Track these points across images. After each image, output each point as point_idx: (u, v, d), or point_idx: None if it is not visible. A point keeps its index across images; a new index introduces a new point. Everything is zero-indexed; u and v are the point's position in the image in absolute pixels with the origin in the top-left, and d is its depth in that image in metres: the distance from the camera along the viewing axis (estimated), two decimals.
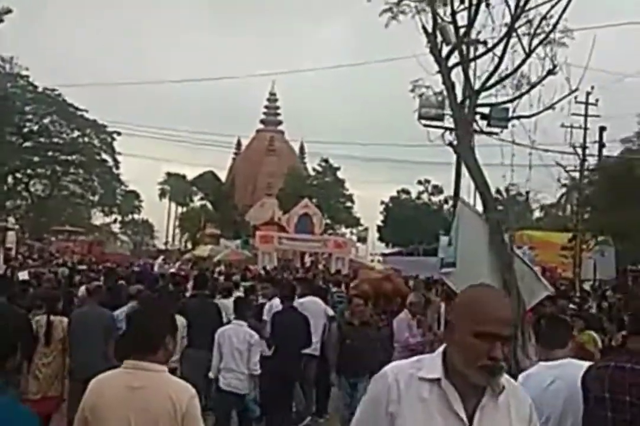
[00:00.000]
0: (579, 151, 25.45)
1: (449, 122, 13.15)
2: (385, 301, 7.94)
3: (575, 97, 26.48)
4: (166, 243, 60.56)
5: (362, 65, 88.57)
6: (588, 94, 25.51)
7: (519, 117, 7.79)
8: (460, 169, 13.60)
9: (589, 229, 24.44)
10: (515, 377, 2.94)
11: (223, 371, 6.94)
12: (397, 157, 79.10)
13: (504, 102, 8.00)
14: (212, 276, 16.58)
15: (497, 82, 7.66)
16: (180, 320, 7.34)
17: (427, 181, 62.00)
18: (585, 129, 25.52)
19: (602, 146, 28.15)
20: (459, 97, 7.82)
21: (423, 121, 12.28)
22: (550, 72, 7.80)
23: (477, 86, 7.77)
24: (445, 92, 7.88)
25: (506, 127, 11.20)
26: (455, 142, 7.86)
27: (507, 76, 7.56)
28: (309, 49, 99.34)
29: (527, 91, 7.81)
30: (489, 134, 10.78)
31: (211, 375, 7.11)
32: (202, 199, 60.15)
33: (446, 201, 62.31)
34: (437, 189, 62.14)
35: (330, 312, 10.01)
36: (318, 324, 9.36)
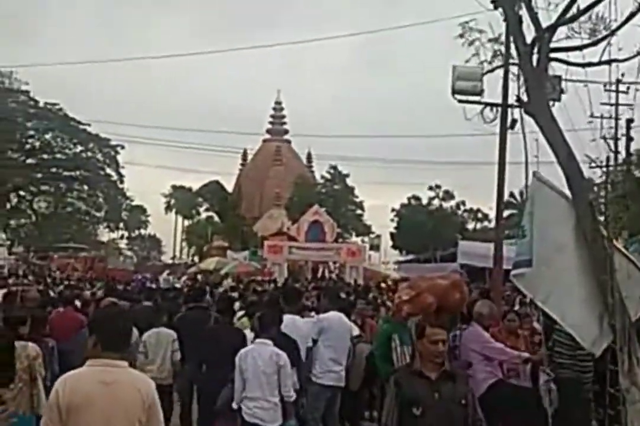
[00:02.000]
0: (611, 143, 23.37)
1: (488, 97, 11.14)
2: (444, 317, 5.75)
3: (605, 85, 24.42)
4: (173, 257, 58.52)
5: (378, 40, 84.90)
6: (618, 81, 23.43)
7: (609, 62, 5.67)
8: (505, 148, 11.45)
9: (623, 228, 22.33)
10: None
11: (246, 400, 5.81)
12: (413, 158, 76.81)
13: (585, 46, 5.90)
14: (212, 290, 14.50)
15: (577, 16, 5.58)
16: (170, 334, 7.42)
17: (438, 186, 59.96)
18: (617, 119, 23.41)
19: (630, 138, 26.04)
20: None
21: (458, 97, 10.28)
22: None
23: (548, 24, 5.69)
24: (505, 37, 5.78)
25: (559, 100, 9.12)
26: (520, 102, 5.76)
27: (592, 5, 5.47)
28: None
29: (617, 29, 5.70)
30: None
31: (234, 405, 5.91)
32: (207, 210, 58.03)
33: (458, 206, 60.35)
34: (449, 195, 60.08)
35: (355, 331, 7.91)
36: (344, 347, 7.26)
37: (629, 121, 25.72)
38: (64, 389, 3.16)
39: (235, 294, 11.87)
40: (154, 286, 21.08)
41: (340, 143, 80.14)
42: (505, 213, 66.50)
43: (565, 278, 5.48)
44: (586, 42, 6.08)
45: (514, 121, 10.38)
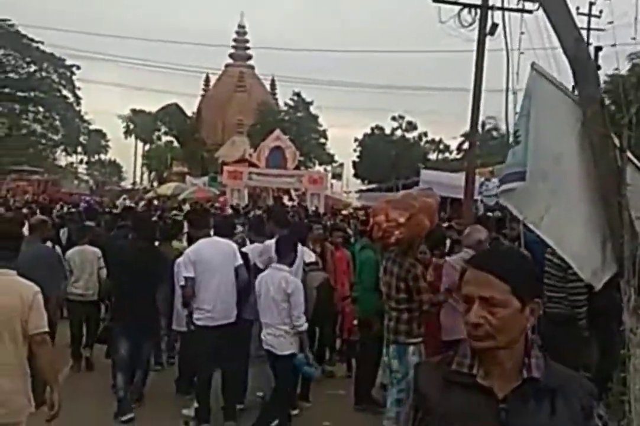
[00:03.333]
0: None
1: None
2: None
3: (577, 8, 22.92)
4: (134, 183, 56.56)
5: None
6: (591, 4, 22.04)
7: None
8: (483, 56, 10.18)
9: None
10: None
11: (263, 326, 5.58)
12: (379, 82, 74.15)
13: None
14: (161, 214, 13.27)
15: None
16: (94, 251, 7.37)
17: (401, 117, 58.55)
18: (588, 45, 22.04)
19: (597, 67, 24.79)
20: None
21: None
22: None
23: None
24: None
25: None
26: None
27: None
28: None
29: None
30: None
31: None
32: (166, 133, 55.68)
33: (420, 137, 59.17)
34: (411, 126, 58.79)
35: (311, 257, 6.79)
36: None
37: (597, 49, 24.43)
38: None
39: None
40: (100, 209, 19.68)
41: (305, 67, 76.85)
42: (466, 145, 65.03)
43: (565, 195, 4.36)
44: None
45: (494, 26, 9.11)
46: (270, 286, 5.38)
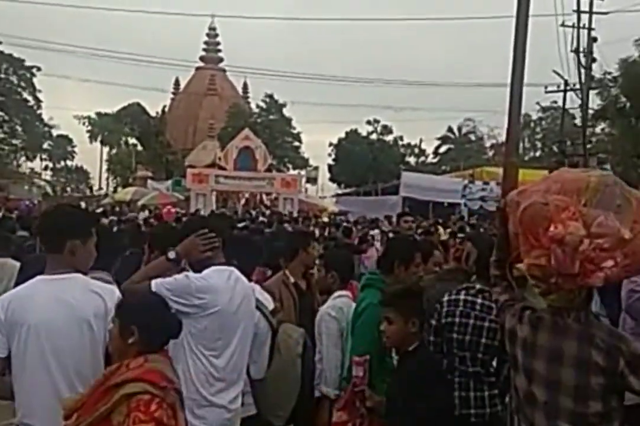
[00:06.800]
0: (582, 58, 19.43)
1: None
2: None
3: None
4: (100, 189, 52.89)
5: None
6: None
7: None
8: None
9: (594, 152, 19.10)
10: None
11: None
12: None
13: None
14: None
15: None
16: (15, 266, 6.42)
17: (377, 121, 55.79)
18: (590, 30, 19.35)
19: (592, 60, 22.10)
20: None
21: None
22: None
23: None
24: None
25: None
26: None
27: None
28: None
29: None
30: None
31: None
32: (127, 135, 52.00)
33: (396, 142, 56.38)
34: (387, 130, 56.05)
35: (267, 301, 3.68)
36: (243, 342, 3.07)
37: (593, 40, 21.68)
38: None
39: None
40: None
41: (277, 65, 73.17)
42: (443, 148, 62.35)
43: None
44: None
45: None
46: None
